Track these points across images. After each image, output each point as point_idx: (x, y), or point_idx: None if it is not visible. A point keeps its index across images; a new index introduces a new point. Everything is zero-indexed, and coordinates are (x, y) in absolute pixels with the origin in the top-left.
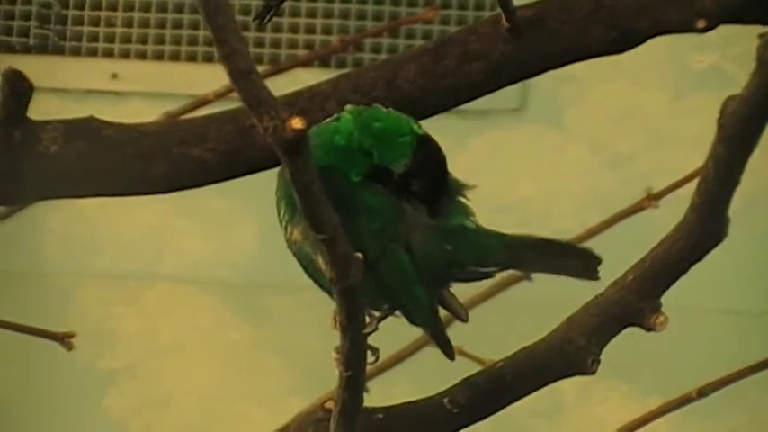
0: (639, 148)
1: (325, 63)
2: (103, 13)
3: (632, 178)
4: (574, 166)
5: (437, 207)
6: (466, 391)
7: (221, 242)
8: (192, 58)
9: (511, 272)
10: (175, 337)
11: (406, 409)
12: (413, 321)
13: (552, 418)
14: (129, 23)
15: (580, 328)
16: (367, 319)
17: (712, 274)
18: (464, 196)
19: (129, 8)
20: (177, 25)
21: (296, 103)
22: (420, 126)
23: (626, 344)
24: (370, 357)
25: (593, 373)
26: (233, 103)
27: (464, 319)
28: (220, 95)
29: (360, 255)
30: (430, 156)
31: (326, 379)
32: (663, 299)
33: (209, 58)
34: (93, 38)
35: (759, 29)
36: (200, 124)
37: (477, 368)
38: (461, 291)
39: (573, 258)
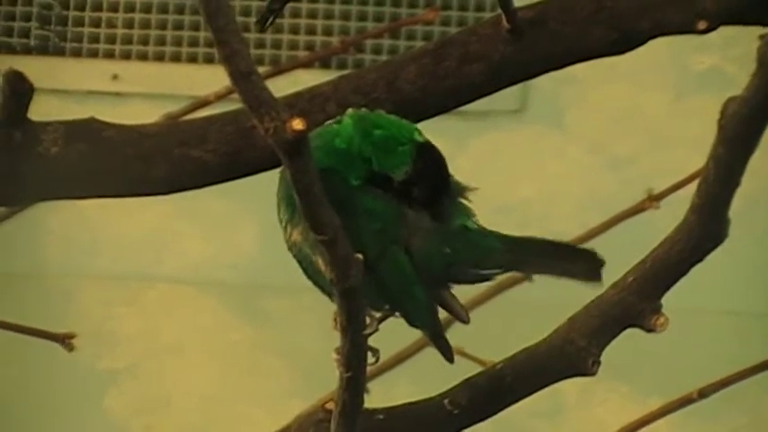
0: (640, 149)
1: (325, 64)
2: (104, 15)
3: (633, 179)
4: (574, 167)
5: (438, 211)
6: (466, 392)
7: (222, 243)
8: (192, 59)
9: (511, 273)
10: (176, 338)
11: (407, 410)
12: (412, 323)
13: (553, 419)
14: (129, 25)
15: (581, 329)
16: (367, 321)
17: (713, 276)
18: (465, 198)
19: (130, 9)
20: (178, 26)
21: (296, 104)
22: (421, 133)
23: (626, 345)
24: (370, 358)
25: (593, 374)
26: (234, 105)
27: (465, 321)
28: (221, 96)
29: (360, 256)
30: (430, 164)
31: (327, 380)
32: (663, 300)
33: (209, 60)
34: (94, 39)
35: (760, 30)
36: (200, 125)
37: (477, 369)
38: (462, 292)
39: (575, 260)
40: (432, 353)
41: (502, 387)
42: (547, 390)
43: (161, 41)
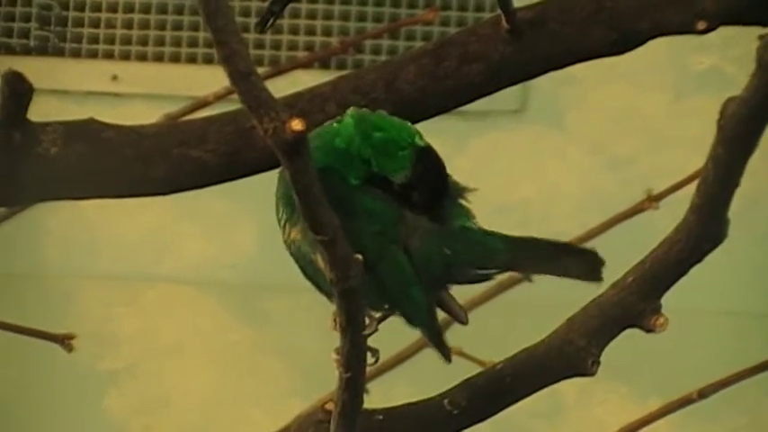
0: (639, 149)
1: (325, 65)
2: (103, 15)
3: (632, 179)
4: (574, 167)
5: (438, 213)
6: (466, 392)
7: (221, 243)
8: (191, 59)
9: (511, 273)
10: (175, 338)
11: (406, 411)
12: (410, 323)
13: (552, 419)
14: (129, 25)
15: (580, 329)
16: (367, 321)
17: (712, 276)
18: (464, 198)
19: (130, 10)
20: (177, 27)
21: (296, 104)
22: (422, 137)
23: (626, 345)
24: (369, 359)
25: (592, 374)
26: (233, 105)
27: (464, 321)
28: (220, 97)
29: (359, 257)
30: (430, 168)
31: (326, 380)
32: (663, 300)
33: (209, 60)
34: (94, 39)
35: (759, 30)
36: (199, 126)
37: (477, 369)
38: (461, 292)
39: (575, 260)
40: (431, 353)
41: (501, 387)
42: (546, 390)
43: (160, 42)
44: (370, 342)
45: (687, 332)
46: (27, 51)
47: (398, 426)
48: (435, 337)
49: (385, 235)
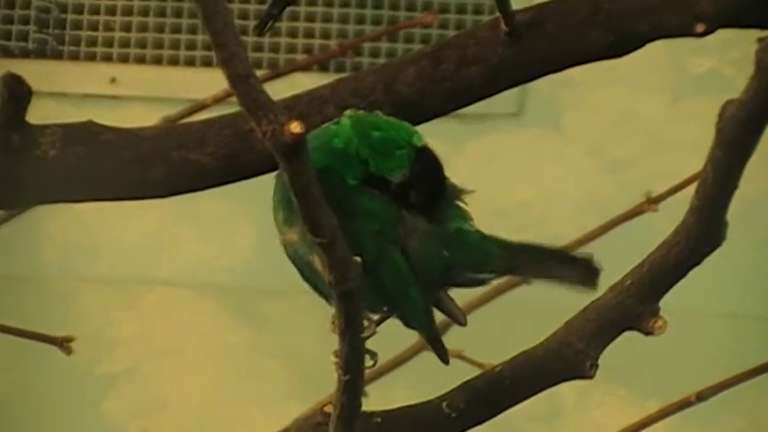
0: (638, 152)
1: (323, 67)
2: (102, 18)
3: (631, 182)
4: (572, 170)
5: (435, 214)
6: (465, 395)
7: (220, 246)
8: (190, 62)
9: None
10: (174, 341)
11: (405, 413)
12: (408, 324)
13: (551, 422)
14: (127, 28)
15: (579, 332)
16: (365, 323)
17: (711, 279)
18: (462, 201)
19: (128, 13)
20: (176, 29)
21: (295, 107)
22: (420, 137)
23: (624, 348)
24: (368, 361)
25: (591, 377)
26: (231, 108)
27: (462, 323)
28: (219, 100)
29: (358, 259)
30: (428, 168)
31: (325, 383)
32: (661, 303)
33: (207, 63)
34: (92, 42)
35: (758, 33)
36: (198, 128)
37: (476, 372)
38: (460, 295)
39: (572, 267)
40: (430, 356)
41: (500, 390)
42: (545, 393)
43: (159, 44)
44: (369, 344)
45: (686, 335)
46: (25, 54)
47: (397, 428)
48: (433, 339)
49: (384, 235)
